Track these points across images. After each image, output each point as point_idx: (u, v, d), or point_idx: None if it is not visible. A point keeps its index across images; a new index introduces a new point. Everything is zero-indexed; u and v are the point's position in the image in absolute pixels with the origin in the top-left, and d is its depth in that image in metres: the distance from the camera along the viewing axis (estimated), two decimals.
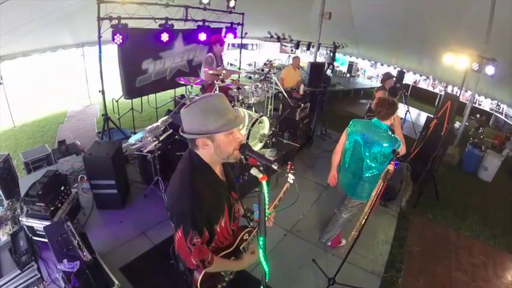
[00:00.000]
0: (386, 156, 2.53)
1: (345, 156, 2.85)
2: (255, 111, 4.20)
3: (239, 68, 8.82)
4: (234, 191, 1.46)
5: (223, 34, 6.84)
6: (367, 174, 2.68)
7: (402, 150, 2.60)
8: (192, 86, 4.68)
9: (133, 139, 3.58)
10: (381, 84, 5.33)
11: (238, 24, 7.19)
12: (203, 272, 1.35)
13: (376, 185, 2.57)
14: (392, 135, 2.61)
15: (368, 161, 2.64)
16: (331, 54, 10.33)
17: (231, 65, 11.85)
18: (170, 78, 6.08)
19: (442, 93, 9.30)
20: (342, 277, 2.73)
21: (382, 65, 12.31)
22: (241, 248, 1.50)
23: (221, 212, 1.34)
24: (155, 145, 3.44)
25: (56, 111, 7.73)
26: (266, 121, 4.05)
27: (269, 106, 4.91)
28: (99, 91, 4.88)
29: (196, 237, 1.21)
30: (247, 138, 3.56)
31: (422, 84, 14.48)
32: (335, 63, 15.35)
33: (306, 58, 11.32)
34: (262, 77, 4.91)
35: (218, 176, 1.34)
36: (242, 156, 1.27)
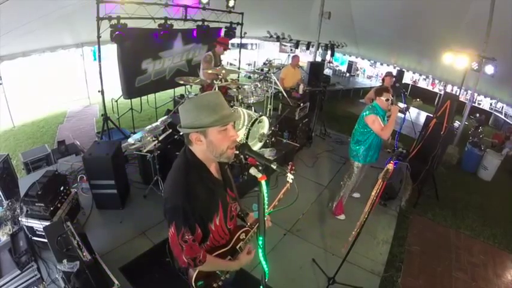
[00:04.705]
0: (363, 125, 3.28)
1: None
2: (255, 111, 4.21)
3: (239, 68, 8.82)
4: (231, 189, 1.46)
5: (222, 34, 6.84)
6: (356, 138, 3.43)
7: (375, 128, 3.15)
8: (191, 85, 4.68)
9: (132, 139, 3.58)
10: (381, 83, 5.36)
11: (238, 24, 7.19)
12: (197, 270, 1.36)
13: (361, 148, 3.36)
14: (371, 106, 3.25)
15: (357, 129, 3.41)
16: (329, 51, 10.28)
17: (231, 64, 11.86)
18: (169, 78, 6.08)
19: (442, 92, 9.31)
20: (342, 276, 2.74)
21: (381, 64, 12.34)
22: (237, 247, 1.49)
23: (215, 209, 1.34)
24: (155, 145, 3.44)
25: (56, 111, 7.72)
26: (265, 121, 4.05)
27: (268, 106, 4.91)
28: (99, 91, 4.88)
29: (187, 233, 1.22)
30: (247, 138, 3.55)
31: (422, 84, 14.50)
32: (334, 63, 15.42)
33: (305, 58, 11.32)
34: (262, 77, 4.91)
35: (212, 174, 1.34)
36: (241, 156, 1.27)
